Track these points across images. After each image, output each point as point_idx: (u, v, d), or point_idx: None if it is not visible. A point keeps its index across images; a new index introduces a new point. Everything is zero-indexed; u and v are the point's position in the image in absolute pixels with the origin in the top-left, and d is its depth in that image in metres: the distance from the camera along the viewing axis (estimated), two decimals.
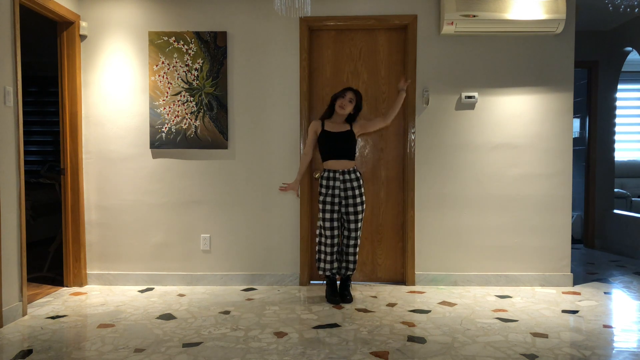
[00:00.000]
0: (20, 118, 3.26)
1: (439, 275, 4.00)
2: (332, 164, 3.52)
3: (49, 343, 2.80)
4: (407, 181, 4.00)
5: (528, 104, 3.96)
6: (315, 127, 3.59)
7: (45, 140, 7.17)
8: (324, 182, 3.53)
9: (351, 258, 3.58)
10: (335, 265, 3.58)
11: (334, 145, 3.52)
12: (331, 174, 3.51)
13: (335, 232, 3.54)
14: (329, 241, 3.52)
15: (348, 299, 3.54)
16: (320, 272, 3.63)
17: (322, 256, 3.57)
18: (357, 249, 3.59)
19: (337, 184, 3.50)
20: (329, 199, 3.51)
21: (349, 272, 3.60)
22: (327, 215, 3.51)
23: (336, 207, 3.52)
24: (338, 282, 3.67)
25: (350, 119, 3.60)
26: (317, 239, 3.60)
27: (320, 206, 3.54)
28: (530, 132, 3.96)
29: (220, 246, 4.04)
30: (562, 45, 3.92)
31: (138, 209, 4.04)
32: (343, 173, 3.50)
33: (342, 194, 3.51)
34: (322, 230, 3.54)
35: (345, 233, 3.56)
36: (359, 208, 3.51)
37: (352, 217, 3.51)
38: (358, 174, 3.55)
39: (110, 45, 4.00)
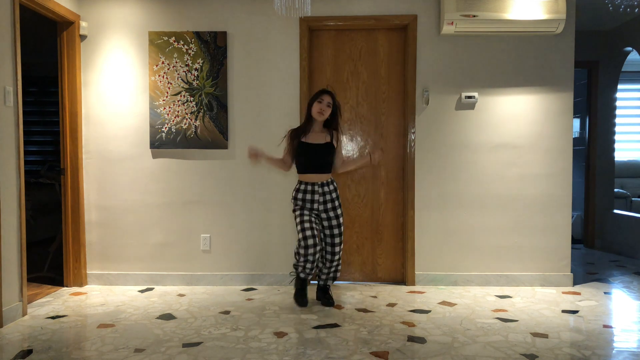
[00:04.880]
0: (20, 118, 3.26)
1: (439, 275, 4.00)
2: (311, 177, 3.36)
3: (49, 343, 2.80)
4: (407, 181, 4.00)
5: (528, 104, 3.96)
6: (293, 136, 3.41)
7: (45, 140, 7.16)
8: (300, 196, 3.36)
9: (337, 268, 3.48)
10: (314, 270, 3.41)
11: (313, 157, 3.35)
12: (309, 187, 3.35)
13: (318, 240, 3.34)
14: (310, 250, 3.27)
15: (331, 302, 3.48)
16: (293, 274, 3.51)
17: (302, 262, 3.34)
18: (340, 256, 3.48)
19: (316, 197, 3.34)
20: (306, 211, 3.34)
21: (330, 282, 3.53)
22: (307, 225, 3.29)
23: (313, 218, 3.34)
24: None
25: (328, 125, 3.44)
26: (297, 246, 3.37)
27: (298, 218, 3.34)
28: (531, 132, 3.96)
29: (220, 246, 4.05)
30: (562, 45, 3.92)
31: (138, 209, 4.04)
32: (322, 185, 3.36)
33: (322, 207, 3.36)
34: (302, 241, 3.29)
35: (329, 247, 3.41)
36: (341, 220, 3.40)
37: (335, 231, 3.38)
38: (335, 184, 3.43)
39: (110, 45, 4.00)
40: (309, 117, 3.42)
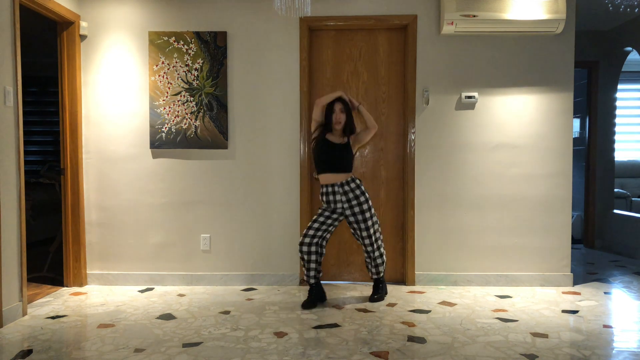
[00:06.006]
0: (20, 118, 3.26)
1: (439, 275, 4.00)
2: (328, 177, 3.41)
3: (49, 343, 2.80)
4: (407, 181, 4.00)
5: (528, 104, 3.96)
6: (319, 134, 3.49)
7: (45, 140, 7.16)
8: (324, 198, 3.44)
9: (377, 263, 3.52)
10: (312, 273, 3.47)
11: (332, 154, 3.40)
12: (329, 189, 3.41)
13: (315, 240, 3.41)
14: (304, 249, 3.42)
15: (376, 298, 3.55)
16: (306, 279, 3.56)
17: (304, 266, 3.50)
18: (380, 252, 3.52)
19: (338, 197, 3.40)
20: (321, 218, 3.43)
21: (374, 276, 3.60)
22: (315, 225, 3.42)
23: (329, 221, 3.43)
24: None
25: (346, 131, 3.48)
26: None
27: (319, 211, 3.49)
28: (530, 132, 3.96)
29: (220, 246, 4.05)
30: (562, 45, 3.92)
31: (138, 209, 4.04)
32: (342, 185, 3.40)
33: (346, 204, 3.40)
34: (300, 238, 3.47)
35: (362, 242, 3.49)
36: (367, 215, 3.41)
37: (362, 225, 3.42)
38: (358, 182, 3.45)
39: (110, 45, 4.00)
40: (328, 124, 3.48)
